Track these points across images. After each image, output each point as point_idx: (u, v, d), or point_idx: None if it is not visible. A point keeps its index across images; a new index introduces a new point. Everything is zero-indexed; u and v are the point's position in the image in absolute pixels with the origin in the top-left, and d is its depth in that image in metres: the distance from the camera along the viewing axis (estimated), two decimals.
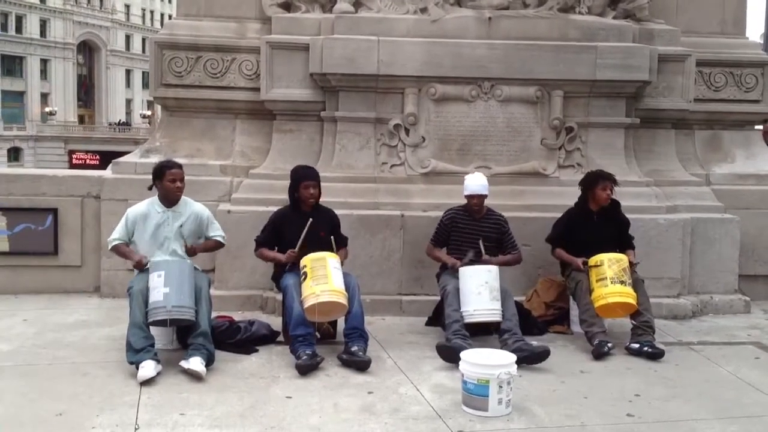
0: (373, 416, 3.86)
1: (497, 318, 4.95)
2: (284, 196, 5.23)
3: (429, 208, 6.03)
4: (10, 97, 51.08)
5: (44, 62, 53.20)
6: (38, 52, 52.54)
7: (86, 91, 57.66)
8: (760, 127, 7.89)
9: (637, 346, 5.01)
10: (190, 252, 4.87)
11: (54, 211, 6.30)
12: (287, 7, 6.46)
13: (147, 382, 4.19)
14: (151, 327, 4.53)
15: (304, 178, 5.09)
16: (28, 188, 6.35)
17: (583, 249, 5.34)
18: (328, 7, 6.41)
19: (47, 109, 52.35)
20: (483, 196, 5.35)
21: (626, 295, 5.06)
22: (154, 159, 5.94)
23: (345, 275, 4.82)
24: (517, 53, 6.24)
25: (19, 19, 51.69)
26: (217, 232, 5.10)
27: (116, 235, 4.91)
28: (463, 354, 4.04)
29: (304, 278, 4.70)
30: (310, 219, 4.91)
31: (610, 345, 4.98)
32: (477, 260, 5.17)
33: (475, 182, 5.37)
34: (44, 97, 53.21)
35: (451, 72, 6.22)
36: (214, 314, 4.93)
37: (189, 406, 3.92)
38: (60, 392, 4.07)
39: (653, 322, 5.16)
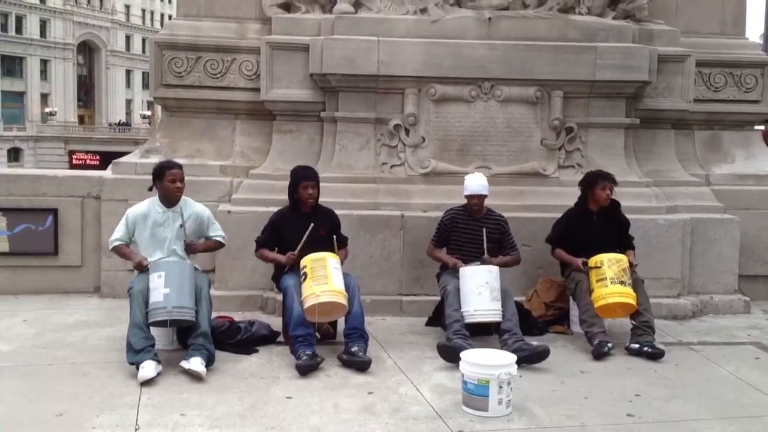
0: (374, 416, 3.86)
1: (497, 318, 4.96)
2: (284, 197, 5.23)
3: (429, 209, 6.04)
4: (10, 97, 51.09)
5: (44, 63, 53.22)
6: (38, 52, 52.56)
7: (86, 92, 57.68)
8: (761, 127, 7.89)
9: (637, 346, 5.01)
10: (189, 249, 4.86)
11: (54, 212, 6.30)
12: (287, 7, 6.47)
13: (147, 383, 4.19)
14: (151, 327, 4.53)
15: (303, 178, 5.10)
16: (28, 189, 6.36)
17: (583, 249, 5.34)
18: (328, 8, 6.41)
19: (47, 110, 52.37)
20: (483, 196, 5.35)
21: (626, 295, 5.07)
22: (154, 159, 5.94)
23: (345, 275, 4.82)
24: (516, 54, 6.24)
25: (19, 20, 51.70)
26: (217, 232, 5.11)
27: (117, 235, 4.91)
28: (463, 354, 4.05)
29: (304, 279, 4.70)
30: (312, 224, 4.90)
31: (610, 345, 4.98)
32: (476, 260, 5.18)
33: (475, 182, 5.37)
34: (44, 98, 53.23)
35: (451, 72, 6.23)
36: (214, 314, 4.93)
37: (189, 406, 3.92)
38: (60, 393, 4.07)
39: (653, 323, 5.16)
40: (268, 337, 5.06)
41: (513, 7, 6.43)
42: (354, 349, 4.62)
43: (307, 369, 4.44)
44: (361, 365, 4.54)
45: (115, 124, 55.91)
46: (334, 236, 5.02)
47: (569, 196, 5.75)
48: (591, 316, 5.12)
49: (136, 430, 3.62)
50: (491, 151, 6.36)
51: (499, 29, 6.32)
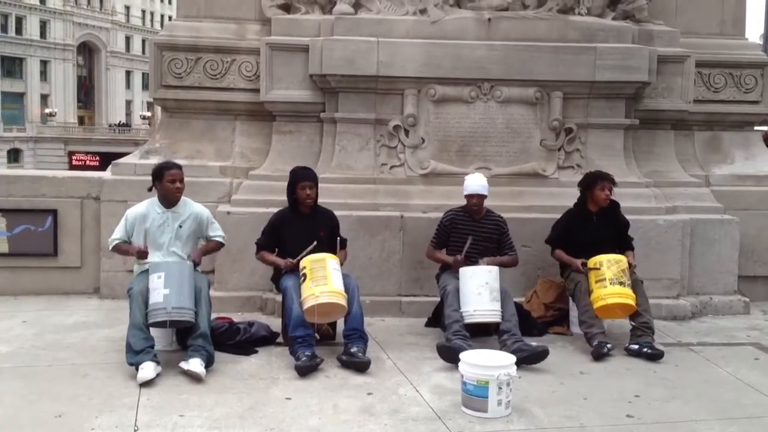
0: (373, 417, 3.86)
1: (497, 318, 4.96)
2: (284, 198, 5.23)
3: (428, 210, 6.04)
4: (9, 98, 51.12)
5: (44, 63, 53.24)
6: (38, 53, 52.60)
7: (86, 93, 57.71)
8: (763, 128, 7.89)
9: (636, 347, 5.01)
10: (195, 263, 4.84)
11: (54, 213, 6.30)
12: (287, 8, 6.47)
13: (146, 384, 4.19)
14: (150, 328, 4.53)
15: (301, 178, 5.10)
16: (27, 189, 6.36)
17: (582, 250, 5.34)
18: (327, 9, 6.41)
19: (47, 111, 52.39)
20: (482, 196, 5.36)
21: (625, 296, 5.07)
22: (154, 160, 5.95)
23: (344, 276, 4.82)
24: (516, 54, 6.24)
25: (19, 21, 51.73)
26: (217, 233, 5.10)
27: (116, 235, 4.92)
28: (462, 355, 4.04)
29: (304, 279, 4.70)
30: (315, 242, 4.88)
31: (609, 346, 4.98)
32: (475, 260, 5.18)
33: (475, 182, 5.37)
34: (44, 99, 53.25)
35: (451, 73, 6.23)
36: (213, 315, 4.93)
37: (188, 407, 3.92)
38: (59, 394, 4.06)
39: (652, 323, 5.16)
40: (268, 338, 5.06)
41: (512, 7, 6.43)
42: (353, 349, 4.61)
43: (306, 370, 4.44)
44: (360, 366, 4.54)
45: (115, 125, 55.93)
46: (339, 238, 5.02)
47: (569, 197, 5.75)
48: (590, 317, 5.12)
49: (135, 431, 3.62)
50: (491, 151, 6.36)
51: (499, 30, 6.32)
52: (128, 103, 60.65)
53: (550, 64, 6.24)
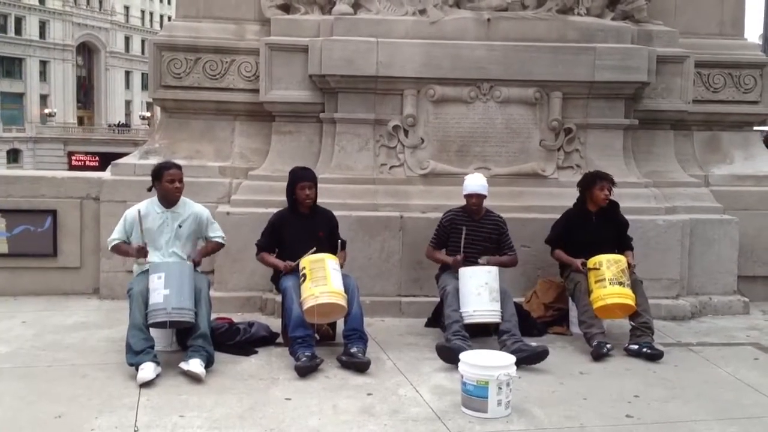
0: (373, 418, 3.86)
1: (497, 319, 4.96)
2: (284, 198, 5.23)
3: (428, 210, 6.04)
4: (9, 98, 51.12)
5: (43, 64, 53.24)
6: (37, 53, 52.60)
7: (85, 93, 57.72)
8: (763, 128, 7.88)
9: (636, 347, 5.01)
10: (195, 264, 4.84)
11: (53, 213, 6.30)
12: (286, 8, 6.47)
13: (146, 384, 4.18)
14: (150, 329, 4.52)
15: (300, 178, 5.10)
16: (27, 190, 6.35)
17: (582, 250, 5.34)
18: (327, 9, 6.40)
19: (46, 111, 52.39)
20: (482, 196, 5.36)
21: (625, 296, 5.07)
22: (153, 160, 5.94)
23: (344, 277, 4.82)
24: (515, 54, 6.24)
25: (19, 21, 51.73)
26: (217, 233, 5.10)
27: (115, 235, 4.92)
28: (462, 355, 4.04)
29: (303, 280, 4.70)
30: (314, 249, 4.87)
31: (609, 346, 4.98)
32: (474, 259, 5.19)
33: (475, 182, 5.38)
34: (43, 99, 53.26)
35: (450, 73, 6.23)
36: (213, 316, 4.93)
37: (188, 407, 3.92)
38: (59, 394, 4.06)
39: (652, 323, 5.16)
40: (268, 339, 5.06)
41: (512, 8, 6.43)
42: (353, 350, 4.61)
43: (306, 370, 4.44)
44: (360, 366, 4.54)
45: (115, 125, 55.93)
46: (339, 241, 5.02)
47: (568, 197, 5.75)
48: (590, 317, 5.12)
49: (135, 431, 3.62)
50: (490, 152, 6.36)
51: (498, 30, 6.32)
52: (128, 103, 60.66)
53: (550, 64, 6.24)
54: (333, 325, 5.11)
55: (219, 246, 5.17)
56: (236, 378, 4.41)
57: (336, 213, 5.35)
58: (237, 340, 4.93)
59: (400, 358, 4.86)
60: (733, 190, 6.78)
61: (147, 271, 4.65)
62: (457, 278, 5.09)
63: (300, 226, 5.04)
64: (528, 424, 3.83)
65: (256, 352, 4.88)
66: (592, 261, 5.22)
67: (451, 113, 6.33)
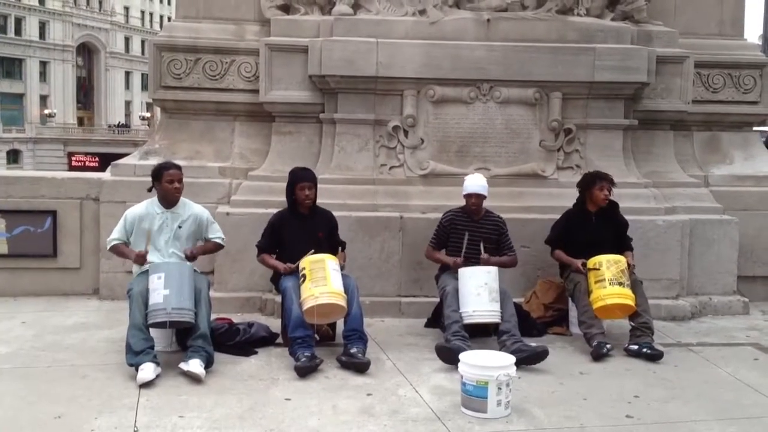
0: (372, 418, 3.86)
1: (496, 319, 4.96)
2: (283, 198, 5.23)
3: (428, 210, 6.04)
4: (9, 99, 51.14)
5: (43, 64, 53.26)
6: (37, 54, 52.61)
7: (85, 93, 57.72)
8: (762, 128, 7.88)
9: (635, 347, 5.01)
10: (190, 257, 4.86)
11: (53, 214, 6.30)
12: (286, 9, 6.47)
13: (146, 385, 4.19)
14: (150, 329, 4.53)
15: (299, 179, 5.10)
16: (27, 190, 6.35)
17: (581, 250, 5.35)
18: (326, 9, 6.40)
19: (46, 111, 52.40)
20: (481, 196, 5.36)
21: (625, 296, 5.07)
22: (153, 161, 5.94)
23: (344, 277, 4.82)
24: (515, 55, 6.25)
25: (19, 22, 51.74)
26: (216, 234, 5.10)
27: (115, 235, 4.92)
28: (462, 356, 4.04)
29: (303, 280, 4.70)
30: (312, 251, 4.86)
31: (608, 346, 4.98)
32: (475, 260, 5.18)
33: (474, 182, 5.38)
34: (43, 100, 53.27)
35: (450, 74, 6.23)
36: (213, 316, 4.93)
37: (188, 408, 3.92)
38: (59, 395, 4.06)
39: (652, 324, 5.16)
40: (267, 339, 5.06)
41: (512, 8, 6.43)
42: (353, 350, 4.61)
43: (306, 371, 4.44)
44: (360, 367, 4.54)
45: (115, 125, 55.94)
46: (339, 246, 5.02)
47: (568, 198, 5.75)
48: (590, 317, 5.12)
49: (134, 431, 3.62)
50: (490, 152, 6.36)
51: (498, 31, 6.32)
52: (127, 103, 60.68)
53: (549, 64, 6.24)
54: (333, 326, 5.11)
55: (218, 247, 5.17)
56: (236, 378, 4.41)
57: (336, 213, 5.35)
58: (237, 341, 4.94)
59: (400, 358, 4.86)
60: (732, 190, 6.78)
61: (147, 271, 4.65)
62: (456, 278, 5.09)
63: (299, 227, 5.04)
64: (528, 425, 3.83)
65: (255, 353, 4.88)
66: (592, 261, 5.22)
67: (450, 114, 6.33)
